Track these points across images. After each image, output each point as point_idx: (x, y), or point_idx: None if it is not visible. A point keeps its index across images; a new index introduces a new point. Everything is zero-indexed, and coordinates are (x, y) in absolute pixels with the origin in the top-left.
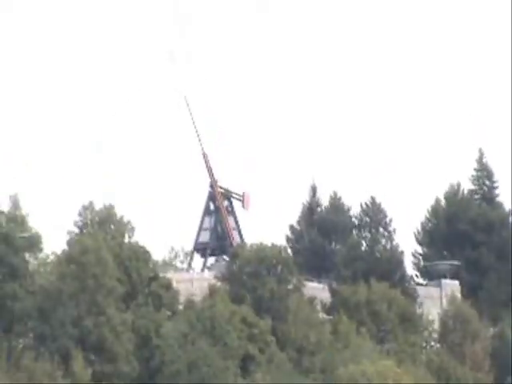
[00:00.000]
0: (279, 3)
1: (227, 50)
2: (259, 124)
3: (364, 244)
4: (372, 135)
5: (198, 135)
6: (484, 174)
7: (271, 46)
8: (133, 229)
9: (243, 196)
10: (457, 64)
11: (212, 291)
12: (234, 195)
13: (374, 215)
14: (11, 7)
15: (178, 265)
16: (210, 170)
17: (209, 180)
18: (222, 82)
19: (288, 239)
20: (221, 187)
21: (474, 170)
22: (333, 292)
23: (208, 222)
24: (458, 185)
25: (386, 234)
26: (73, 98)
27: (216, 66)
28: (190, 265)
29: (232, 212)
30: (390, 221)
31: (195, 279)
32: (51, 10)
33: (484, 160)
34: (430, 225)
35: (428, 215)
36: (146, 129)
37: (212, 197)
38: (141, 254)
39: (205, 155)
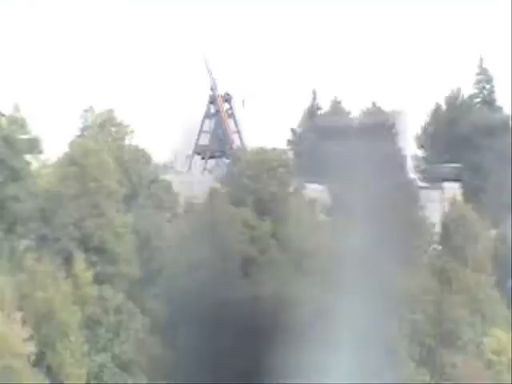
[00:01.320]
0: None
1: None
2: (261, 27)
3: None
4: (373, 39)
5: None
6: (484, 78)
7: None
8: (133, 132)
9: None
10: None
11: (212, 194)
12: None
13: (375, 118)
14: None
15: (179, 168)
16: (209, 72)
17: (209, 83)
18: None
19: (289, 142)
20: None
21: (475, 74)
22: (333, 194)
23: (208, 125)
24: (459, 90)
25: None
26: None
27: None
28: (190, 168)
29: (232, 115)
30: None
31: (195, 182)
32: None
33: (484, 65)
34: (430, 128)
35: (429, 119)
36: (146, 32)
37: (212, 100)
38: (141, 157)
39: (205, 57)
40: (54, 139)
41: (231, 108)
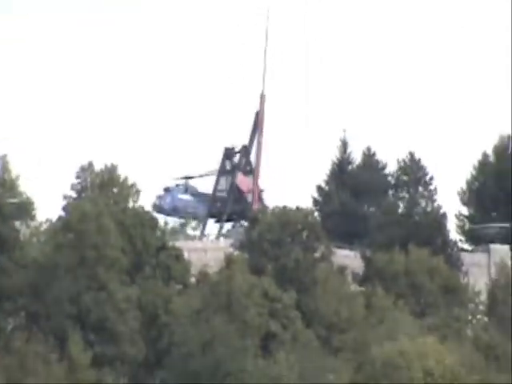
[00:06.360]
0: None
1: None
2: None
3: (401, 206)
4: (409, 80)
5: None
6: None
7: None
8: (138, 192)
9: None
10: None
11: (228, 261)
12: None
13: (413, 173)
14: None
15: (190, 232)
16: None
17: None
18: None
19: (315, 202)
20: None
21: None
22: (366, 261)
23: (224, 183)
24: (509, 137)
25: (426, 194)
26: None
27: None
28: (203, 232)
29: (251, 171)
30: (431, 179)
31: (209, 248)
32: None
33: None
34: (476, 183)
35: (474, 172)
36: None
37: (229, 155)
38: (147, 221)
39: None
40: (47, 202)
41: (250, 163)
